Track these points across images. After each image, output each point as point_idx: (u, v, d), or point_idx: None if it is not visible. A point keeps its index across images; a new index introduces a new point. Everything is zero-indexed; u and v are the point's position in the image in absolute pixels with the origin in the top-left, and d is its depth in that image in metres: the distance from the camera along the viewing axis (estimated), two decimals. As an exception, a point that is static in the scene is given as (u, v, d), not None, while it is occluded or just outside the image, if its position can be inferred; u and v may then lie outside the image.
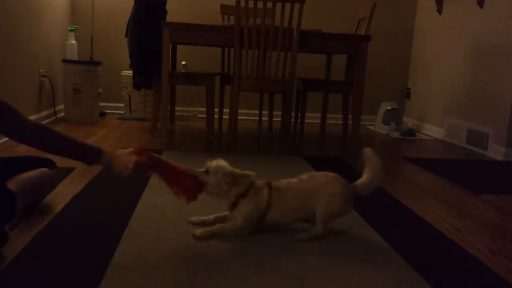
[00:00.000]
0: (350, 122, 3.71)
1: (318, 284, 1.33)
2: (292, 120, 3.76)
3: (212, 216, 1.73)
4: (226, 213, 1.70)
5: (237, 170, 1.63)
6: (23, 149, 2.72)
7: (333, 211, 1.64)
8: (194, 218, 1.73)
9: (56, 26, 3.94)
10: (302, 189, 1.65)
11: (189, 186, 1.60)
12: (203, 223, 1.71)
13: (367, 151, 1.69)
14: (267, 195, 1.62)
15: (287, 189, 1.65)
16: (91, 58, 4.10)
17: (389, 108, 4.41)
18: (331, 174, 1.69)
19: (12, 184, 1.62)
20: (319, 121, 4.05)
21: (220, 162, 1.63)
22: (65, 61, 3.85)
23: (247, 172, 1.64)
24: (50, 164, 1.91)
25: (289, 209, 1.65)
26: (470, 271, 1.50)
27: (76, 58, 3.92)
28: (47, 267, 1.33)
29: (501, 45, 3.43)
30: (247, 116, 4.60)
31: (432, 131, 4.31)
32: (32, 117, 3.43)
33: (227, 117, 3.87)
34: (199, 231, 1.60)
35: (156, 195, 2.00)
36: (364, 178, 1.69)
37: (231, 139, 3.25)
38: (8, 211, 1.50)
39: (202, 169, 1.62)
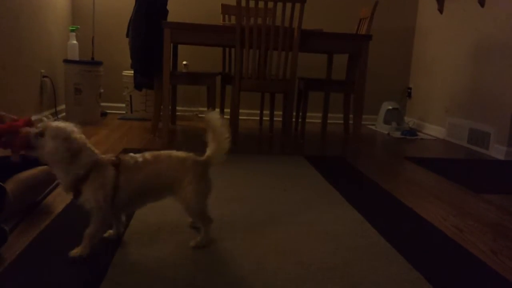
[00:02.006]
0: (351, 122, 3.71)
1: (319, 284, 1.33)
2: (293, 119, 3.76)
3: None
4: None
5: (82, 136, 1.42)
6: (24, 149, 2.72)
7: (198, 200, 1.49)
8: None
9: (57, 26, 3.95)
10: (152, 172, 1.46)
11: (15, 144, 1.38)
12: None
13: (211, 116, 1.51)
14: (113, 176, 1.41)
15: (136, 169, 1.45)
16: (92, 58, 4.10)
17: (390, 107, 4.40)
18: (181, 157, 1.50)
19: (12, 183, 1.62)
20: (320, 120, 4.05)
21: (62, 124, 1.39)
22: (66, 61, 3.85)
23: (92, 148, 1.43)
24: None
25: (138, 192, 1.46)
26: (471, 270, 1.50)
27: (77, 58, 3.92)
28: (48, 268, 1.33)
29: (503, 44, 3.43)
30: (248, 116, 4.59)
31: (433, 130, 4.31)
32: (33, 117, 3.44)
33: (228, 117, 3.86)
34: (74, 251, 1.39)
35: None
36: (211, 148, 1.53)
37: (232, 138, 3.25)
38: None
39: (36, 130, 1.36)
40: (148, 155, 1.50)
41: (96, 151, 1.45)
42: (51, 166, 1.40)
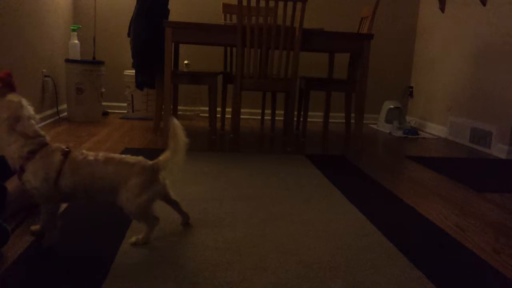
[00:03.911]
0: (352, 121, 3.71)
1: (321, 283, 1.33)
2: (295, 119, 3.76)
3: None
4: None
5: (32, 121, 1.44)
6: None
7: (138, 203, 1.46)
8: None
9: (58, 26, 3.95)
10: (99, 173, 1.46)
11: None
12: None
13: (174, 123, 1.51)
14: (59, 161, 1.43)
15: (85, 165, 1.45)
16: (94, 58, 4.10)
17: (392, 106, 4.40)
18: (130, 163, 1.50)
19: (12, 182, 1.62)
20: (321, 119, 4.05)
21: (12, 98, 1.41)
22: (67, 60, 3.86)
23: (42, 132, 1.46)
24: None
25: (82, 185, 1.45)
26: (473, 269, 1.50)
27: (78, 57, 3.93)
28: (49, 268, 1.34)
29: (504, 43, 3.42)
30: (250, 115, 4.59)
31: (435, 129, 4.30)
32: (35, 117, 3.44)
33: (229, 116, 3.87)
34: (34, 226, 1.50)
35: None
36: (166, 153, 1.52)
37: (234, 138, 3.25)
38: None
39: None
40: (101, 155, 1.50)
41: (44, 133, 1.47)
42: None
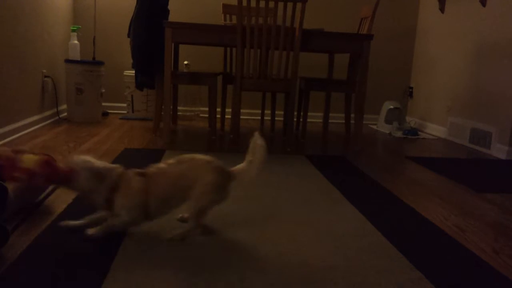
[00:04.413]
0: (352, 121, 3.71)
1: (321, 283, 1.33)
2: (295, 119, 3.76)
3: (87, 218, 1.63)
4: (102, 214, 1.60)
5: (101, 163, 1.54)
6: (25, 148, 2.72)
7: (205, 202, 1.55)
8: (64, 223, 1.62)
9: (58, 26, 3.95)
10: (176, 174, 1.55)
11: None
12: (74, 227, 1.60)
13: (256, 137, 1.60)
14: (142, 183, 1.53)
15: (160, 175, 1.55)
16: (94, 58, 4.10)
17: (391, 107, 4.40)
18: (205, 159, 1.58)
19: (11, 183, 1.62)
20: (321, 120, 4.05)
21: (83, 158, 1.53)
22: (67, 61, 3.86)
23: (112, 165, 1.56)
24: None
25: (165, 198, 1.55)
26: (473, 270, 1.50)
27: (78, 58, 3.93)
28: (49, 268, 1.34)
29: (504, 43, 3.42)
30: (250, 115, 4.59)
31: (434, 130, 4.30)
32: (35, 117, 3.45)
33: (229, 116, 3.87)
34: (91, 230, 1.53)
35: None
36: (243, 164, 1.61)
37: (234, 138, 3.25)
38: None
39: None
40: (171, 160, 1.60)
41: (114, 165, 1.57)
42: (84, 195, 1.54)
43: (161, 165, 1.58)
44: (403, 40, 4.80)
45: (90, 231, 1.53)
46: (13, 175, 1.47)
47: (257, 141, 1.59)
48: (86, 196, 1.53)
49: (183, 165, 1.56)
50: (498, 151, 3.41)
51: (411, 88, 4.83)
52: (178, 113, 4.15)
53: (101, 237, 1.52)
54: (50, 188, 1.95)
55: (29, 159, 1.49)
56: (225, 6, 3.86)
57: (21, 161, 1.47)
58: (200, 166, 1.56)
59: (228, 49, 3.96)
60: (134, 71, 3.59)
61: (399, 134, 4.14)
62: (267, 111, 4.35)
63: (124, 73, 4.21)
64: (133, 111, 4.25)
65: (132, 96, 4.19)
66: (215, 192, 1.55)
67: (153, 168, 1.58)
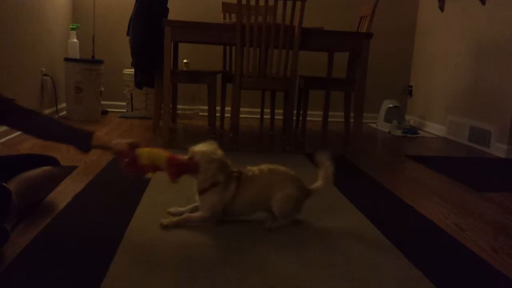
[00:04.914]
0: (352, 120, 3.71)
1: (321, 282, 1.33)
2: (294, 118, 3.75)
3: (189, 207, 1.77)
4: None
5: (219, 154, 1.68)
6: (26, 147, 2.72)
7: (287, 211, 1.70)
8: (172, 209, 1.77)
9: (58, 25, 3.95)
10: (264, 183, 1.70)
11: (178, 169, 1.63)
12: (181, 214, 1.74)
13: (321, 156, 1.74)
14: (235, 188, 1.67)
15: (252, 182, 1.69)
16: (93, 57, 4.10)
17: (391, 105, 4.40)
18: (290, 173, 1.75)
19: (14, 183, 1.62)
20: (321, 119, 4.05)
21: (202, 148, 1.68)
22: (67, 59, 3.85)
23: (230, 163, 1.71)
24: (52, 162, 1.91)
25: (250, 202, 1.70)
26: (472, 269, 1.50)
27: (78, 56, 3.92)
28: (49, 266, 1.34)
29: (504, 42, 3.42)
30: (249, 114, 4.59)
31: (434, 128, 4.30)
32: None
33: (228, 115, 3.86)
34: (166, 220, 1.64)
35: (159, 193, 2.00)
36: (318, 183, 1.76)
37: (233, 137, 3.25)
38: (2, 207, 1.48)
39: (186, 156, 1.67)
40: (264, 167, 1.74)
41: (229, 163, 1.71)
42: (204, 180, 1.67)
43: (256, 172, 1.72)
44: (403, 38, 4.80)
45: (164, 224, 1.63)
46: (138, 171, 1.60)
47: (324, 161, 1.74)
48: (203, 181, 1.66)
49: (272, 178, 1.72)
50: (497, 149, 3.41)
51: (411, 86, 4.83)
52: (178, 111, 4.15)
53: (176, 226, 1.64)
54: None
55: (153, 155, 1.61)
56: (224, 4, 3.86)
57: (140, 157, 1.58)
58: (286, 180, 1.72)
59: (228, 47, 3.95)
60: (133, 70, 3.58)
61: (398, 132, 4.14)
62: (267, 110, 4.34)
63: (124, 72, 4.20)
64: (132, 110, 4.24)
65: (131, 94, 4.19)
66: (294, 204, 1.71)
67: (249, 173, 1.71)
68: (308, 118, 3.70)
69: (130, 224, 1.66)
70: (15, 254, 1.39)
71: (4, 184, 1.51)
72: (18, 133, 3.11)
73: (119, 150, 1.63)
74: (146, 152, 1.61)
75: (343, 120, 4.10)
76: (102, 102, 4.12)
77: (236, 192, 1.66)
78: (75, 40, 3.93)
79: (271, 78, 3.20)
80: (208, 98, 3.52)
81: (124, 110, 4.36)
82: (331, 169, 1.73)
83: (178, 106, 4.21)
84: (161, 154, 1.62)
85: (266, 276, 1.34)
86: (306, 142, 3.50)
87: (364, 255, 1.53)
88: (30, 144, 2.84)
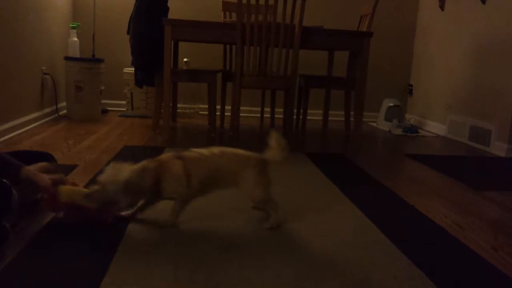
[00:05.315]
0: (352, 119, 3.71)
1: (320, 281, 1.33)
2: (294, 117, 3.75)
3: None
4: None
5: (127, 170, 1.57)
6: (25, 146, 2.72)
7: (259, 191, 1.69)
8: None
9: (58, 24, 3.94)
10: (217, 164, 1.66)
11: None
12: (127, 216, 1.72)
13: (273, 133, 1.75)
14: (183, 167, 1.62)
15: (201, 161, 1.66)
16: (93, 55, 4.10)
17: (391, 104, 4.40)
18: (245, 155, 1.71)
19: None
20: (321, 118, 4.05)
21: (108, 176, 1.56)
22: (67, 58, 3.85)
23: (144, 162, 1.62)
24: (48, 158, 1.91)
25: (205, 181, 1.65)
26: (472, 267, 1.50)
27: (78, 55, 3.92)
28: (49, 266, 1.34)
29: (504, 41, 3.42)
30: (249, 113, 4.59)
31: (434, 127, 4.30)
32: (34, 115, 3.44)
33: (229, 114, 3.86)
34: (163, 221, 1.66)
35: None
36: (272, 150, 1.73)
37: (233, 136, 3.25)
38: (4, 203, 1.48)
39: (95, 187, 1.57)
40: (214, 149, 1.70)
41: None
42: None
43: (204, 151, 1.68)
44: (403, 37, 4.80)
45: (162, 223, 1.65)
46: (53, 208, 1.63)
47: (275, 136, 1.74)
48: (133, 202, 1.64)
49: (224, 157, 1.68)
50: (497, 148, 3.41)
51: (411, 85, 4.82)
52: (178, 110, 4.15)
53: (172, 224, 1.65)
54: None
55: (67, 192, 1.60)
56: (224, 3, 3.85)
57: (60, 194, 1.59)
58: (240, 161, 1.69)
59: (228, 46, 3.95)
60: (133, 69, 3.58)
61: (398, 131, 4.14)
62: (267, 109, 4.34)
63: (124, 71, 4.20)
64: (132, 109, 4.24)
65: (131, 93, 4.19)
66: (262, 180, 1.70)
67: (193, 151, 1.67)
68: (308, 117, 3.71)
69: (130, 224, 1.66)
70: (15, 253, 1.39)
71: (4, 180, 1.51)
72: (17, 132, 3.11)
73: (42, 186, 1.63)
74: (66, 190, 1.61)
75: (343, 119, 4.10)
76: (102, 101, 4.12)
77: (187, 170, 1.61)
78: (75, 39, 3.93)
79: (271, 77, 3.20)
80: (208, 97, 3.52)
81: (124, 109, 4.36)
82: (282, 140, 1.72)
83: (178, 105, 4.21)
84: (80, 192, 1.61)
85: (266, 276, 1.34)
86: (306, 141, 3.50)
87: (363, 253, 1.53)
88: (30, 143, 2.84)
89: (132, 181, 1.55)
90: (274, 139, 1.74)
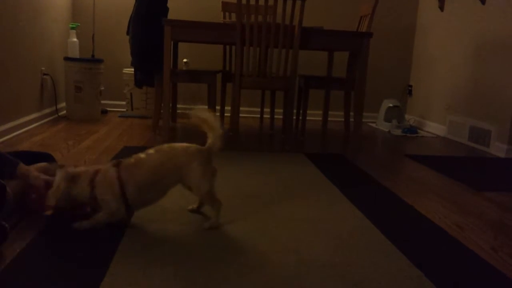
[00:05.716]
0: (351, 120, 3.71)
1: (320, 281, 1.33)
2: (294, 117, 3.75)
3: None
4: None
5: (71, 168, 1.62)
6: (25, 147, 2.72)
7: (205, 182, 1.65)
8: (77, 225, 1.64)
9: (57, 24, 3.94)
10: (155, 163, 1.61)
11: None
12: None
13: (202, 114, 1.70)
14: (116, 173, 1.58)
15: (137, 165, 1.60)
16: (93, 56, 4.10)
17: (391, 105, 4.40)
18: (183, 147, 1.67)
19: (9, 182, 1.61)
20: (320, 118, 4.05)
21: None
22: (66, 59, 3.85)
23: (79, 169, 1.63)
24: (48, 158, 1.91)
25: (144, 184, 1.59)
26: (471, 268, 1.50)
27: (77, 55, 3.92)
28: (49, 266, 1.34)
29: (503, 41, 3.42)
30: (249, 113, 4.59)
31: (434, 128, 4.30)
32: (34, 115, 3.44)
33: (228, 114, 3.86)
34: (78, 223, 1.60)
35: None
36: (212, 139, 1.69)
37: (233, 136, 3.25)
38: None
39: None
40: (150, 150, 1.65)
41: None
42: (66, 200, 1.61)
43: (141, 155, 1.63)
44: (403, 38, 4.80)
45: (77, 225, 1.59)
46: (38, 209, 1.66)
47: (206, 115, 1.69)
48: (73, 205, 1.63)
49: (162, 154, 1.63)
50: (497, 149, 3.41)
51: (411, 86, 4.83)
52: (178, 111, 4.15)
53: (88, 229, 1.59)
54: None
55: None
56: (224, 4, 3.86)
57: (48, 197, 1.60)
58: (180, 154, 1.64)
59: (228, 47, 3.95)
60: (133, 69, 3.58)
61: (398, 132, 4.14)
62: (267, 109, 4.34)
63: (123, 71, 4.20)
64: (132, 109, 4.24)
65: (131, 94, 4.19)
66: (205, 172, 1.64)
67: (130, 158, 1.63)
68: (308, 118, 3.71)
69: (130, 223, 1.66)
70: (15, 253, 1.39)
71: None
72: (16, 132, 3.11)
73: (34, 184, 1.65)
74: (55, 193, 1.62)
75: (343, 119, 4.10)
76: (102, 102, 4.12)
77: (121, 176, 1.57)
78: (75, 39, 3.93)
79: (271, 77, 3.20)
80: (208, 97, 3.52)
81: (124, 110, 4.36)
82: (216, 122, 1.67)
83: (178, 106, 4.21)
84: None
85: (266, 276, 1.34)
86: (306, 142, 3.50)
87: (363, 254, 1.53)
88: (29, 144, 2.84)
89: (61, 186, 1.57)
90: (208, 123, 1.68)
